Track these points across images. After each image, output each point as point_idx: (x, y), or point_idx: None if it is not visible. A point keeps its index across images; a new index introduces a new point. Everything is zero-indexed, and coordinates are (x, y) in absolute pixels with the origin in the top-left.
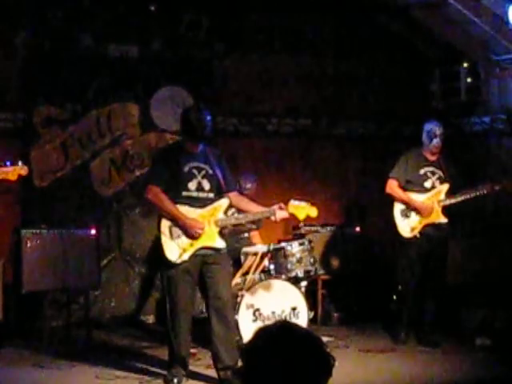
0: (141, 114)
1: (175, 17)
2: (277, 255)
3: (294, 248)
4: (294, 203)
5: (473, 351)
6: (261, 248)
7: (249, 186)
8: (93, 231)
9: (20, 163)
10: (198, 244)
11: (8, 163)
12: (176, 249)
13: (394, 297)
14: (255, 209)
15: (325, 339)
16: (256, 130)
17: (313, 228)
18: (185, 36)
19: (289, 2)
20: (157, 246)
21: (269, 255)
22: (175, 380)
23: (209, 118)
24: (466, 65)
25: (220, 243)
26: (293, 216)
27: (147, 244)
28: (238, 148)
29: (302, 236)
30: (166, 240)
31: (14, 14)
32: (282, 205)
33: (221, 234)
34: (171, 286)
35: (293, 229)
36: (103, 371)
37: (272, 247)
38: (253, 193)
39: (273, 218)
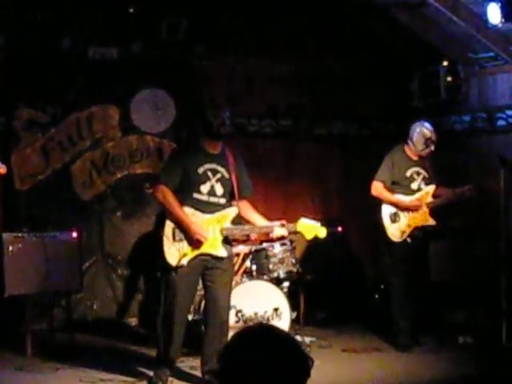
0: (121, 116)
1: (155, 19)
2: (258, 256)
3: (276, 249)
4: (303, 221)
5: (455, 349)
6: (242, 249)
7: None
8: (74, 234)
9: None
10: (200, 250)
11: None
12: (176, 252)
13: (377, 296)
14: (258, 221)
15: (307, 339)
16: (237, 131)
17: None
18: (164, 38)
19: (268, 3)
20: (151, 246)
21: (250, 256)
22: (160, 383)
23: (227, 113)
24: (445, 64)
25: (222, 252)
26: (299, 234)
27: (129, 246)
28: None
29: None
30: (167, 242)
31: None
32: (284, 222)
33: (224, 241)
34: (169, 288)
35: (277, 239)
36: (87, 374)
37: (254, 248)
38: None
39: (271, 235)
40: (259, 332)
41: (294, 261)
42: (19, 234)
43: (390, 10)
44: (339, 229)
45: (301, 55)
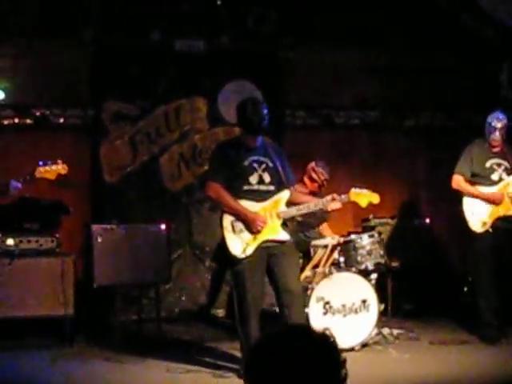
0: (209, 108)
1: (242, 10)
2: (347, 248)
3: (364, 240)
4: (355, 191)
5: None
6: (330, 241)
7: (323, 169)
8: (163, 226)
9: (60, 162)
10: (262, 237)
11: (49, 162)
12: (239, 243)
13: (465, 289)
14: (310, 201)
15: (395, 331)
16: (324, 123)
17: (382, 220)
18: (252, 30)
19: None
20: (221, 241)
21: (338, 248)
22: None
23: (265, 110)
24: None
25: (283, 235)
26: (355, 204)
27: (217, 238)
28: (306, 141)
29: (371, 228)
30: (229, 235)
31: (83, 10)
32: (335, 195)
33: (284, 225)
34: (238, 280)
35: (362, 221)
36: (174, 365)
37: (342, 240)
38: (329, 175)
39: (328, 208)
40: (289, 334)
41: (381, 252)
42: (108, 226)
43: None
44: (427, 220)
45: (389, 47)
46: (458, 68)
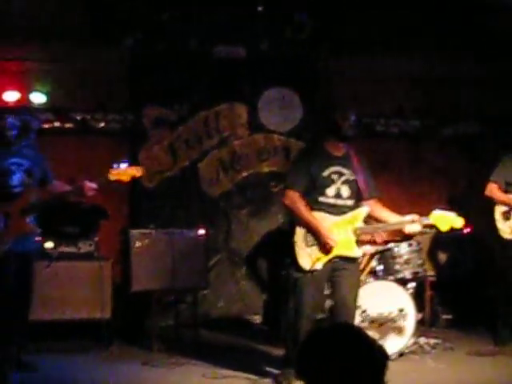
0: (249, 114)
1: (282, 17)
2: (385, 256)
3: (402, 249)
4: (437, 213)
5: None
6: (369, 249)
7: None
8: (201, 231)
9: (135, 165)
10: (334, 253)
11: (122, 165)
12: (309, 257)
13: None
14: (390, 218)
15: (432, 341)
16: (363, 131)
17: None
18: (291, 37)
19: (395, 1)
20: (277, 244)
21: (377, 256)
22: (284, 383)
23: (353, 117)
24: None
25: (357, 252)
26: (433, 227)
27: (255, 244)
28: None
29: (410, 237)
30: (299, 247)
31: (122, 17)
32: (415, 217)
33: (357, 242)
34: (299, 289)
35: (411, 236)
36: (211, 370)
37: (380, 248)
38: None
39: (405, 230)
40: (337, 332)
41: (420, 262)
42: (146, 231)
43: None
44: (467, 230)
45: (428, 54)
46: (497, 77)
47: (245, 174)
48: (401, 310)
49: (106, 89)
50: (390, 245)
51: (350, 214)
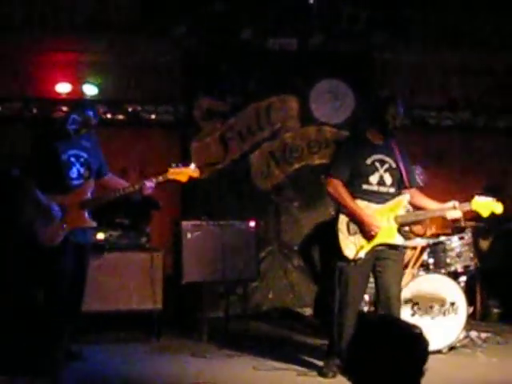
0: (300, 106)
1: (335, 9)
2: (436, 249)
3: (454, 242)
4: (478, 199)
5: None
6: (420, 242)
7: (422, 177)
8: (252, 223)
9: (193, 165)
10: (376, 241)
11: (180, 164)
12: (353, 245)
13: None
14: (431, 206)
15: (483, 335)
16: (415, 124)
17: (473, 222)
18: (344, 29)
19: None
20: (330, 239)
21: (428, 249)
22: (330, 374)
23: (402, 112)
24: None
25: (399, 240)
26: (475, 213)
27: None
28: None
29: (461, 230)
30: (343, 236)
31: (175, 8)
32: (456, 203)
33: (399, 230)
34: (343, 279)
35: (452, 222)
36: (261, 362)
37: (431, 241)
38: (425, 183)
39: (447, 216)
40: (381, 324)
41: (471, 255)
42: (198, 223)
43: None
44: None
45: (481, 47)
46: None
47: (296, 166)
48: (452, 304)
49: (158, 80)
50: (442, 238)
51: (391, 202)
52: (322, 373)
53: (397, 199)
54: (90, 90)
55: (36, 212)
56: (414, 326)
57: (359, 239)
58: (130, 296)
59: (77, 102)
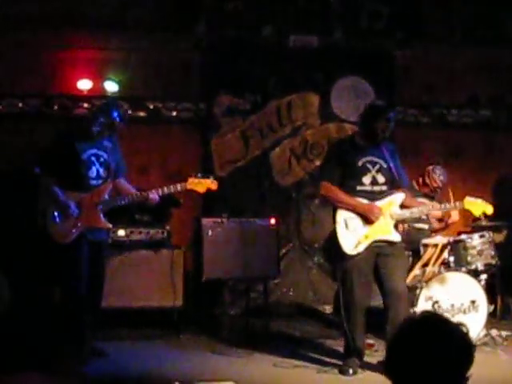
0: (321, 104)
1: (355, 7)
2: (457, 247)
3: (475, 240)
4: (469, 200)
5: None
6: (441, 240)
7: (442, 178)
8: (272, 221)
9: (211, 177)
10: (374, 236)
11: (200, 175)
12: (351, 241)
13: None
14: (421, 206)
15: (504, 333)
16: (436, 121)
17: (493, 221)
18: (365, 26)
19: None
20: (332, 238)
21: (449, 247)
22: (350, 370)
23: (392, 124)
24: None
25: (395, 236)
26: (468, 212)
27: (326, 234)
28: (417, 139)
29: (482, 228)
30: (341, 232)
31: (195, 5)
32: (448, 205)
33: (395, 226)
34: (346, 277)
35: (473, 221)
36: (281, 360)
37: (452, 239)
38: (444, 184)
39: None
40: (427, 321)
41: (492, 253)
42: (218, 220)
43: None
44: None
45: (503, 45)
46: None
47: (317, 163)
48: (473, 302)
49: (179, 77)
50: (462, 236)
51: (387, 199)
52: (342, 370)
53: (392, 196)
54: (112, 86)
55: (53, 208)
56: (460, 325)
57: (358, 235)
58: (150, 293)
59: (104, 102)
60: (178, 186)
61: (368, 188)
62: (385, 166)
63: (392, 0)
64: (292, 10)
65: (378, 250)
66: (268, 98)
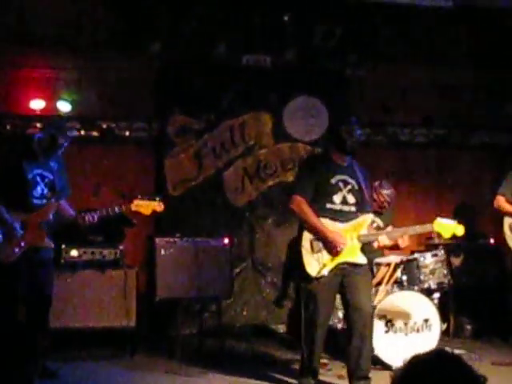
0: (274, 123)
1: (308, 27)
2: (409, 266)
3: (427, 259)
4: (440, 221)
5: None
6: (393, 259)
7: (389, 192)
8: (226, 240)
9: (157, 199)
10: (339, 259)
11: (146, 197)
12: (316, 263)
13: None
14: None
15: (457, 351)
16: (389, 140)
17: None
18: (318, 46)
19: (421, 13)
20: (293, 257)
21: (401, 266)
22: None
23: (359, 132)
24: None
25: (361, 259)
26: (437, 234)
27: (279, 254)
28: (371, 158)
29: (435, 247)
30: (306, 254)
31: (149, 25)
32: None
33: (362, 249)
34: (310, 299)
35: (426, 239)
36: (235, 379)
37: (405, 258)
38: (392, 199)
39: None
40: (438, 359)
41: (445, 272)
42: (171, 239)
43: None
44: (491, 240)
45: (454, 65)
46: None
47: (270, 183)
48: (426, 321)
49: (132, 97)
50: (415, 255)
51: (354, 221)
52: None
53: (360, 218)
54: (64, 106)
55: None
56: (478, 372)
57: (322, 257)
58: (103, 313)
59: (48, 120)
60: (123, 207)
61: (338, 207)
62: (357, 187)
63: (345, 20)
64: (245, 30)
65: (344, 272)
66: (221, 118)
